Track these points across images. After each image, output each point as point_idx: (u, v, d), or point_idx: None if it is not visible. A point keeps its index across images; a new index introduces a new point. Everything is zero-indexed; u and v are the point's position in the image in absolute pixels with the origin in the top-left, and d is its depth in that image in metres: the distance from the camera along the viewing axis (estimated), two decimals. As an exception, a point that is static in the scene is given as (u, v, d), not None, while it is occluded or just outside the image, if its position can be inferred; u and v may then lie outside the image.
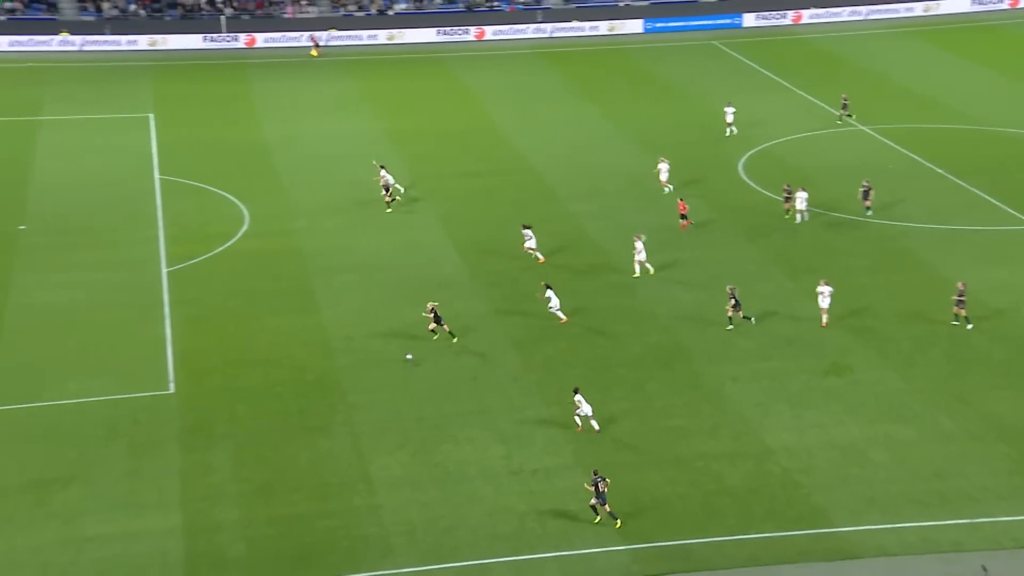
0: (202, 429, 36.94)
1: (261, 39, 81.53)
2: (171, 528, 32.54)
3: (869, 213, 51.58)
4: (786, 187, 52.05)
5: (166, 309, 44.15)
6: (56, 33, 79.38)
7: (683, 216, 50.27)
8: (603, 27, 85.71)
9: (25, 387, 38.87)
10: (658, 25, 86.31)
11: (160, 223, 51.66)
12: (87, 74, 74.54)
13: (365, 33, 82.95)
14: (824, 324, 42.25)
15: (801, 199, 50.91)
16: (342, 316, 43.54)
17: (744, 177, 57.12)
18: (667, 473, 34.81)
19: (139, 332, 42.32)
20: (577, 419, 36.37)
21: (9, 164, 58.32)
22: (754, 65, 76.17)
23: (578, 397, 36.32)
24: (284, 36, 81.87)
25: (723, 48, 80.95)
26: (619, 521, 32.39)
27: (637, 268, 46.01)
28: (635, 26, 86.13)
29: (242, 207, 53.56)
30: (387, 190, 52.59)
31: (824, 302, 42.27)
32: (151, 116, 65.97)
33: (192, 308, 44.31)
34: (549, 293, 42.76)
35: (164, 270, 47.27)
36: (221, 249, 49.12)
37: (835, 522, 32.62)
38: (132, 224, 51.63)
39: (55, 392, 38.68)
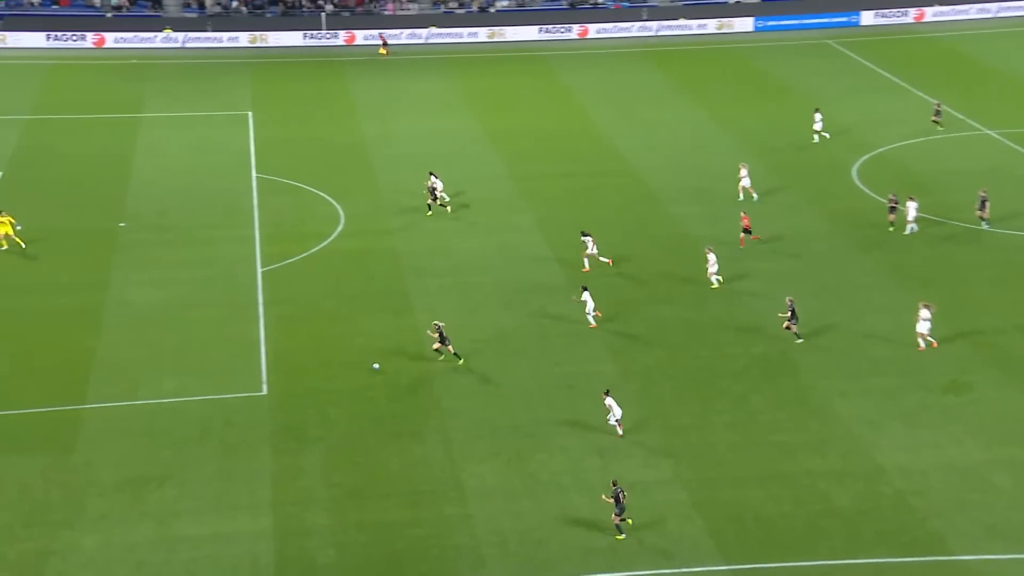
0: (294, 431, 37.45)
1: (361, 36, 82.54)
2: (262, 531, 33.06)
3: (985, 226, 50.18)
4: (892, 196, 50.78)
5: (260, 309, 44.85)
6: (160, 30, 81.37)
7: (746, 231, 48.65)
8: (711, 25, 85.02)
9: (122, 384, 39.82)
10: (770, 23, 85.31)
11: (256, 222, 52.52)
12: (188, 71, 76.10)
13: (465, 31, 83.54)
14: (920, 349, 41.06)
15: (911, 208, 49.68)
16: (438, 318, 43.84)
17: (858, 182, 56.14)
18: (771, 490, 34.36)
19: (233, 332, 43.05)
20: (616, 425, 36.36)
21: (110, 161, 59.74)
22: (871, 65, 74.83)
23: (609, 400, 36.40)
24: (384, 33, 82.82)
25: (838, 48, 79.68)
26: (623, 535, 32.09)
27: (714, 280, 45.58)
28: (745, 24, 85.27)
29: (337, 207, 54.22)
30: (434, 196, 52.55)
31: (923, 327, 40.93)
32: (249, 114, 66.99)
33: (286, 308, 44.95)
34: (585, 296, 42.65)
35: (259, 269, 48.01)
36: (316, 249, 49.78)
37: (953, 550, 31.88)
38: (228, 222, 52.58)
39: (151, 390, 39.59)
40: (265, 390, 39.62)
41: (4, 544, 32.58)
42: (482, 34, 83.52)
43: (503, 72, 76.05)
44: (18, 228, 48.60)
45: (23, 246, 48.75)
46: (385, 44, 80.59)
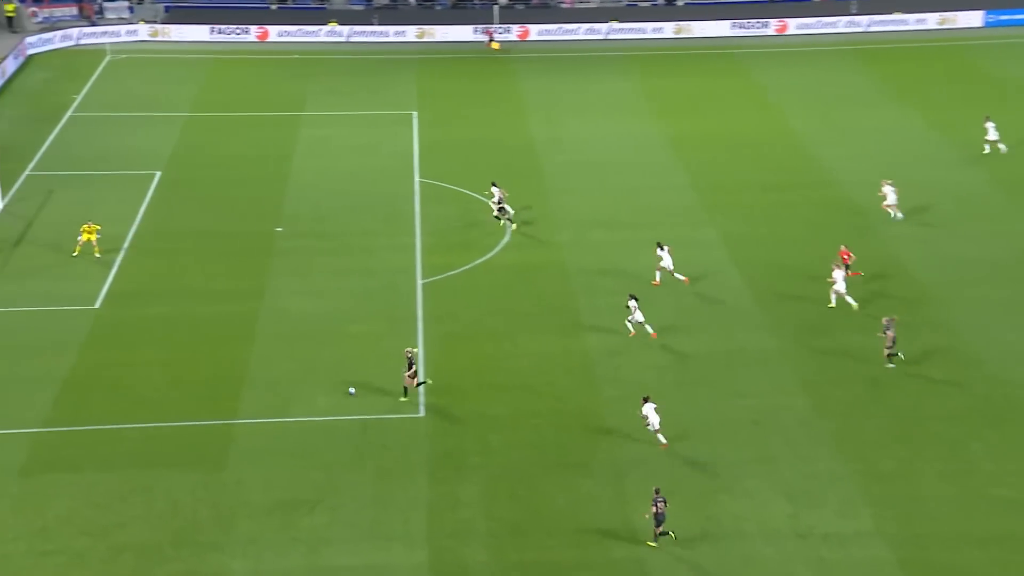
0: (452, 458, 37.70)
1: (535, 31, 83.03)
2: (416, 565, 33.32)
3: None
4: None
5: (419, 324, 45.30)
6: (325, 23, 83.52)
7: (846, 266, 46.37)
8: (932, 20, 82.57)
9: (275, 400, 40.74)
10: (1002, 18, 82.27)
11: (417, 230, 53.15)
12: (352, 67, 77.53)
13: (649, 26, 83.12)
14: None
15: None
16: (610, 341, 43.53)
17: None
18: (992, 552, 32.97)
19: (391, 347, 43.48)
20: (657, 435, 36.44)
21: (269, 162, 61.26)
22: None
23: (647, 407, 36.92)
24: (560, 28, 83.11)
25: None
26: (656, 544, 32.32)
27: (832, 298, 44.37)
28: (973, 19, 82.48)
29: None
30: (501, 209, 52.16)
31: None
32: (414, 114, 67.82)
33: (446, 324, 45.33)
34: (632, 304, 42.56)
35: (419, 281, 48.54)
36: (480, 261, 50.10)
37: None
38: (388, 230, 53.37)
39: (304, 407, 40.41)
40: (423, 412, 39.99)
41: (154, 564, 33.67)
42: (668, 29, 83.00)
43: (690, 71, 75.42)
44: (98, 236, 50.41)
45: (98, 256, 50.31)
46: (492, 39, 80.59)
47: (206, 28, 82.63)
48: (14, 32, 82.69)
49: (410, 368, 40.00)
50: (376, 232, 53.11)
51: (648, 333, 43.37)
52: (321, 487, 36.49)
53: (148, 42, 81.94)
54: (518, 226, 52.28)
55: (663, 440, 37.18)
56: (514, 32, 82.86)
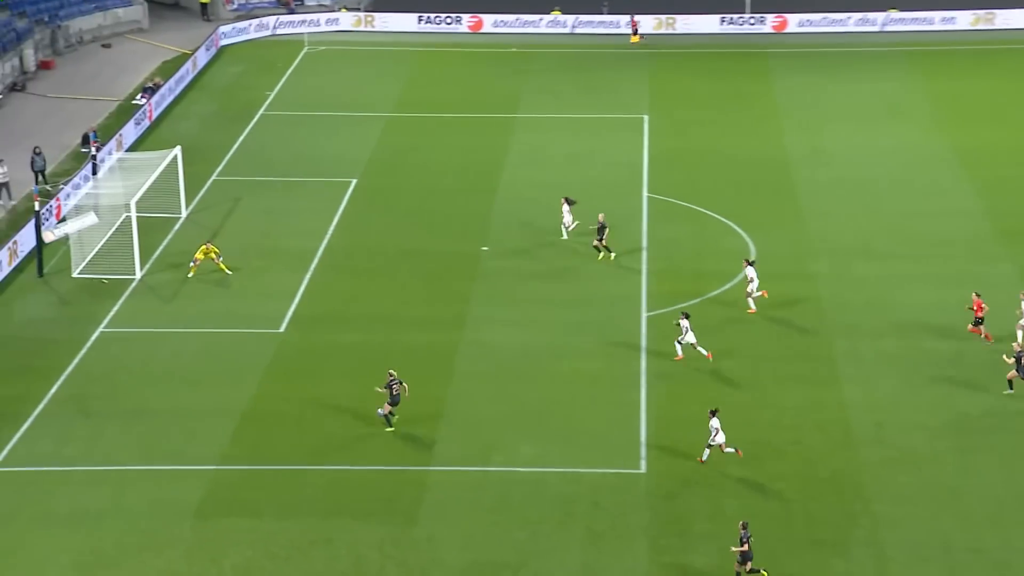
0: (677, 524, 36.84)
1: (794, 22, 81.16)
2: (629, 650, 32.57)
3: None
4: None
5: (642, 364, 44.63)
6: (547, 11, 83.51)
7: (977, 320, 44.66)
8: None
9: (474, 446, 40.57)
10: None
11: (644, 254, 52.63)
12: (575, 62, 77.67)
13: (938, 15, 79.92)
14: None
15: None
16: (872, 395, 42.22)
17: None
18: None
19: (608, 390, 43.02)
20: (721, 448, 38.24)
21: (476, 171, 61.66)
22: None
23: (715, 422, 38.28)
24: (825, 18, 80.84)
25: None
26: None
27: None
28: None
29: (748, 240, 53.47)
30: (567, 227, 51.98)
31: None
32: (645, 118, 67.45)
33: (675, 365, 44.56)
34: (684, 323, 43.60)
35: (644, 313, 47.95)
36: (716, 292, 49.16)
37: None
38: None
39: (506, 456, 40.10)
40: (644, 467, 39.32)
41: (332, 630, 33.88)
42: (962, 19, 79.55)
43: (990, 70, 72.65)
44: (218, 260, 51.17)
45: (228, 272, 51.12)
46: (636, 32, 79.36)
47: (413, 17, 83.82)
48: (208, 20, 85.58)
49: (393, 402, 40.77)
50: (590, 253, 52.72)
51: (703, 355, 43.45)
52: (523, 549, 36.02)
53: (349, 32, 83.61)
54: (616, 256, 51.71)
55: (732, 450, 38.68)
56: (768, 23, 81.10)
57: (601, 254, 51.81)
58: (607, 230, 51.68)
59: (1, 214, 57.15)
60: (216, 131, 67.21)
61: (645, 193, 58.42)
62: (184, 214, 56.99)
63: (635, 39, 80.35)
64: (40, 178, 58.97)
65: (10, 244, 52.05)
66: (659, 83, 72.81)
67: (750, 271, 47.23)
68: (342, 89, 73.26)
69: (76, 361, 45.53)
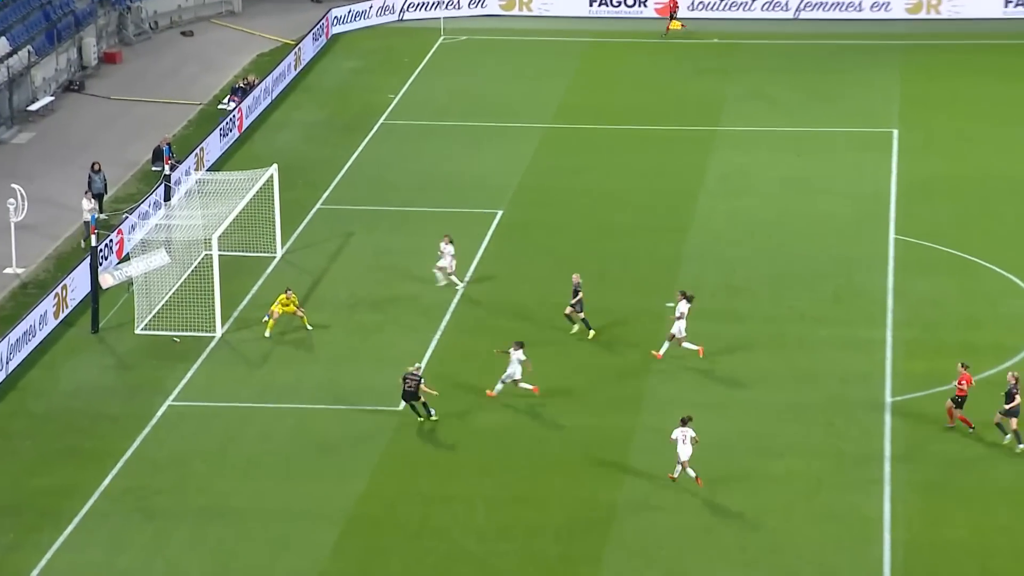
0: None
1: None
2: None
3: None
4: None
5: (886, 468, 43.94)
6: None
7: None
8: None
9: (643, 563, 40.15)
10: None
11: (889, 316, 52.13)
12: (798, 57, 77.85)
13: None
14: None
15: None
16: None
17: None
18: None
19: (839, 500, 42.46)
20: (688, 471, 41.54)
21: (663, 203, 61.54)
22: None
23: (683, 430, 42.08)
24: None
25: None
26: None
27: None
28: None
29: (1036, 300, 53.05)
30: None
31: None
32: (894, 132, 67.22)
33: (932, 472, 43.68)
34: (516, 354, 46.34)
35: (887, 398, 47.32)
36: (991, 372, 48.01)
37: None
38: (841, 314, 52.69)
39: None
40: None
41: None
42: None
43: None
44: (300, 313, 51.41)
45: (309, 328, 51.49)
46: (673, 15, 79.51)
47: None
48: (318, 1, 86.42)
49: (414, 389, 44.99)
50: (820, 316, 52.44)
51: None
52: None
53: (498, 17, 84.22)
54: (594, 333, 51.39)
55: (692, 474, 42.10)
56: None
57: (575, 327, 51.40)
58: (581, 295, 51.19)
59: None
60: (324, 145, 67.87)
61: (892, 234, 58.09)
62: (280, 253, 57.36)
63: (675, 26, 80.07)
64: (98, 204, 59.71)
65: (58, 289, 52.70)
66: (915, 86, 72.78)
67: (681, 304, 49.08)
68: (486, 92, 73.61)
69: (137, 443, 45.77)
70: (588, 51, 79.05)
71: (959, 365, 45.80)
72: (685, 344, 49.04)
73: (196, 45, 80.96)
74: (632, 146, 66.92)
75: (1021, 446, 44.12)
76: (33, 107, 70.48)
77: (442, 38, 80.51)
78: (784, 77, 74.62)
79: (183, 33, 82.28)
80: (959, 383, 45.36)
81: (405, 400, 45.87)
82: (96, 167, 60.76)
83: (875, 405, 47.01)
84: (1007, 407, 44.17)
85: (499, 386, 47.06)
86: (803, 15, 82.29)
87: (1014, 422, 44.12)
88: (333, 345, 50.93)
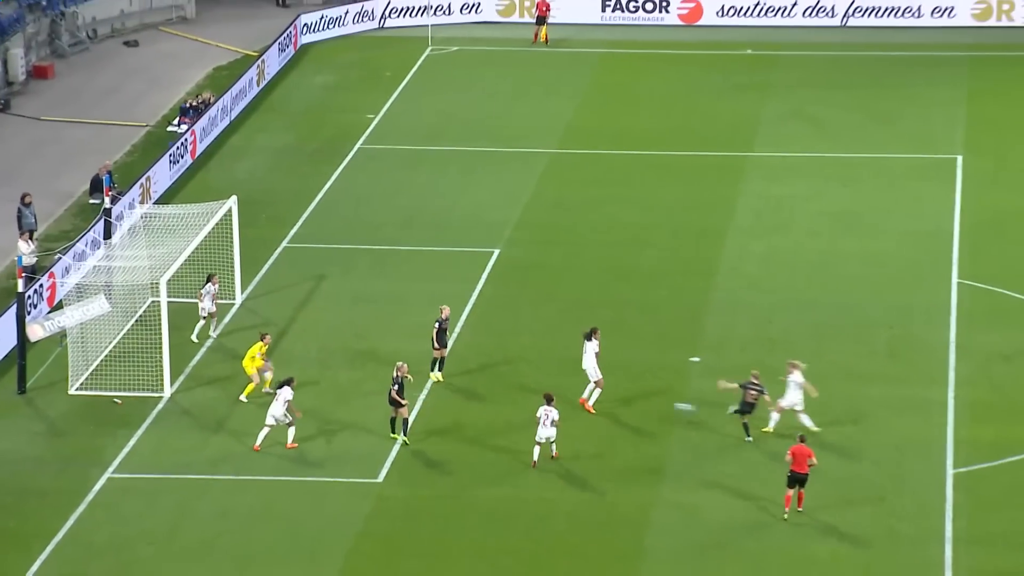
0: None
1: None
2: None
3: None
4: None
5: (947, 547, 44.03)
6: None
7: None
8: None
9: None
10: None
11: (951, 375, 52.40)
12: (845, 72, 78.79)
13: None
14: None
15: None
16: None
17: None
18: None
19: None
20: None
21: (687, 240, 62.03)
22: None
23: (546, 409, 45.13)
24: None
25: None
26: None
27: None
28: None
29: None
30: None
31: None
32: (958, 159, 67.83)
33: (1002, 555, 43.83)
34: (281, 393, 48.13)
35: (949, 469, 47.48)
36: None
37: None
38: (893, 371, 53.03)
39: None
40: None
41: None
42: None
43: None
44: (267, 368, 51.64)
45: (268, 391, 51.29)
46: (543, 19, 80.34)
47: (595, 2, 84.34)
48: (284, 5, 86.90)
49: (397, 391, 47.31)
50: (871, 374, 52.81)
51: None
52: None
53: (495, 25, 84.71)
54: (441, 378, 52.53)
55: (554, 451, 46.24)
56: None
57: (434, 371, 52.27)
58: (447, 334, 52.08)
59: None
60: (291, 175, 68.26)
61: (955, 278, 58.46)
62: (239, 299, 57.69)
63: (541, 35, 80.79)
64: (28, 242, 59.82)
65: (-22, 342, 52.95)
66: (983, 105, 73.67)
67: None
68: (481, 111, 74.01)
69: (70, 523, 45.66)
70: (600, 64, 79.53)
71: None
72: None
73: (142, 57, 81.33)
74: (651, 175, 67.47)
75: None
76: (-50, 130, 70.89)
77: (429, 49, 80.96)
78: (829, 95, 75.27)
79: (126, 43, 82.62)
80: None
81: (390, 404, 48.70)
82: (26, 200, 60.69)
83: (935, 478, 47.17)
84: None
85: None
86: (852, 22, 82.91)
87: None
88: (301, 407, 51.09)
